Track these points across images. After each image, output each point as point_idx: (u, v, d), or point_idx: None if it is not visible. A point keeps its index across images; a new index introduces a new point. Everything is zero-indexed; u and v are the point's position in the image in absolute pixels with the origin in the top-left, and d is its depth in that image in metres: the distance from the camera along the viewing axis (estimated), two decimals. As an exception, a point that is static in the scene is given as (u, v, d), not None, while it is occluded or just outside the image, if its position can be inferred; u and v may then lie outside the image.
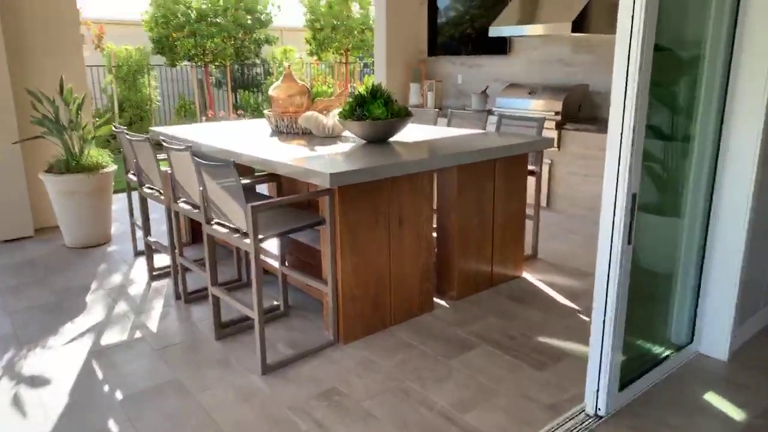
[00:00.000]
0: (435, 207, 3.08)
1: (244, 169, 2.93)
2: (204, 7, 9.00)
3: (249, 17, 9.38)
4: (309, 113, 3.34)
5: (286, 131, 3.57)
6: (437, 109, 4.76)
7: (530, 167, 3.56)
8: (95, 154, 4.03)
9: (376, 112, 2.93)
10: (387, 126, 2.96)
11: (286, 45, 10.13)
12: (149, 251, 3.39)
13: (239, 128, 3.84)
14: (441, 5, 5.99)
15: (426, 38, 6.21)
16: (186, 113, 9.40)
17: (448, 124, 4.10)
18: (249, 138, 3.30)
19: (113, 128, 3.61)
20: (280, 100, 3.68)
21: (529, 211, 3.59)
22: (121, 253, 3.87)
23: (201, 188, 2.45)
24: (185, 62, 9.41)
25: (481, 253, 3.03)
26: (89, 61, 9.12)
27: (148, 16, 8.93)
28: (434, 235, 3.03)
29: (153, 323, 2.80)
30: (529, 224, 3.87)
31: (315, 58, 11.13)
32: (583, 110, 4.71)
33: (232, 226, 2.37)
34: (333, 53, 11.02)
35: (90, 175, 3.90)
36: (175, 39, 8.76)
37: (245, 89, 10.74)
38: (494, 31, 4.89)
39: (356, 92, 3.03)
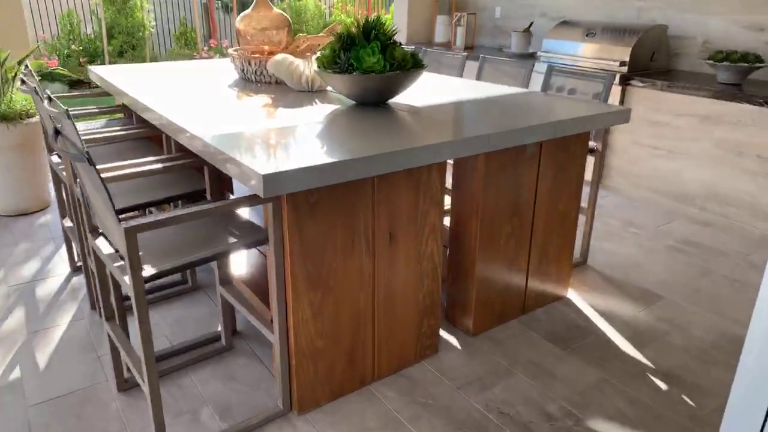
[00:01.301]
0: (447, 209, 2.16)
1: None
2: None
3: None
4: (280, 57, 2.37)
5: (255, 79, 2.62)
6: (465, 53, 3.71)
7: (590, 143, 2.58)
8: (20, 98, 3.15)
9: (368, 62, 1.96)
10: (383, 83, 2.00)
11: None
12: (66, 237, 2.57)
13: (206, 71, 2.89)
14: None
15: (459, -41, 5.03)
16: (187, 42, 8.38)
17: (479, 76, 3.08)
18: (199, 90, 2.37)
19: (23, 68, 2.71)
20: (249, 35, 2.70)
21: (582, 202, 2.63)
22: (54, 227, 3.06)
23: (77, 181, 1.57)
24: (185, -18, 8.27)
25: (512, 267, 2.12)
26: (76, -22, 8.08)
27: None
28: (444, 246, 2.12)
29: (43, 354, 2.00)
30: (579, 219, 2.93)
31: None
32: (657, 60, 3.60)
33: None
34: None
35: (11, 126, 3.04)
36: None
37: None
38: (547, -51, 3.73)
39: (340, 29, 2.05)
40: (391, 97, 2.11)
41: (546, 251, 2.22)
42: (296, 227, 1.50)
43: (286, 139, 1.60)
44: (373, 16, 2.04)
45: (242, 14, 2.73)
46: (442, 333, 2.13)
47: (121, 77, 2.68)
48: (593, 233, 3.00)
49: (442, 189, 1.80)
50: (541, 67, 3.85)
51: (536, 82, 3.80)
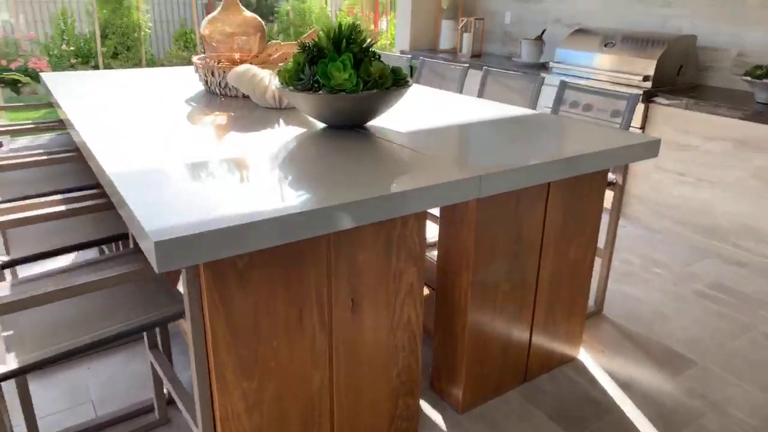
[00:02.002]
0: (427, 259, 1.79)
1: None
2: None
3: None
4: (242, 68, 2.01)
5: (219, 92, 2.27)
6: (469, 62, 3.36)
7: (609, 176, 2.19)
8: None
9: (336, 78, 1.59)
10: (355, 104, 1.63)
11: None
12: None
13: (174, 80, 2.54)
14: None
15: (467, -41, 4.66)
16: (186, 43, 8.08)
17: (481, 91, 2.71)
18: (150, 105, 2.01)
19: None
20: (214, 41, 2.34)
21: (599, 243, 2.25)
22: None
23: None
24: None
25: (512, 327, 1.74)
26: (70, -24, 7.81)
27: None
28: (432, 289, 1.75)
29: (-59, 423, 1.65)
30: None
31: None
32: (684, 74, 3.20)
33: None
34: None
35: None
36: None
37: (260, 18, 9.27)
38: (563, -52, 3.35)
39: (308, 40, 1.68)
40: (367, 120, 1.74)
41: (554, 306, 1.84)
42: (220, 302, 1.13)
43: (219, 176, 1.23)
44: (350, 19, 1.68)
45: (207, 17, 2.37)
46: (425, 407, 1.75)
47: (67, 86, 2.33)
48: (610, 274, 2.60)
49: (422, 241, 1.43)
50: (553, 80, 3.46)
51: (547, 97, 3.42)
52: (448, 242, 1.61)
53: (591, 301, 2.33)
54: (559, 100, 2.38)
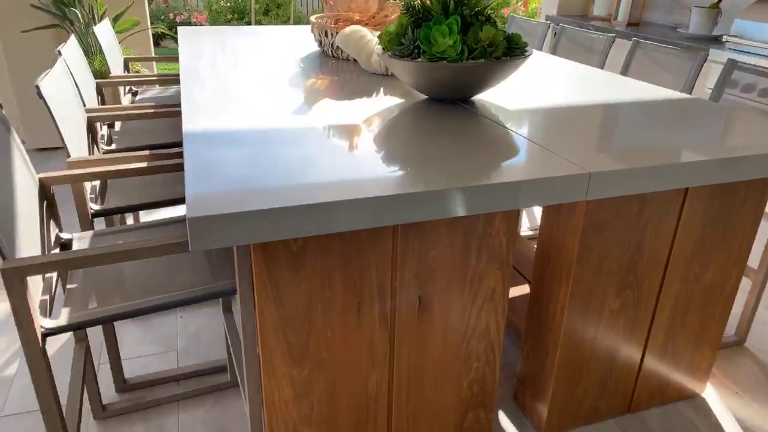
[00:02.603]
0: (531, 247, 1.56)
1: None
2: None
3: None
4: (350, 29, 1.89)
5: (332, 54, 2.18)
6: (610, 34, 2.97)
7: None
8: (102, 60, 3.04)
9: (440, 44, 1.41)
10: (459, 74, 1.43)
11: None
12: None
13: (295, 38, 2.52)
14: None
15: None
16: (334, 3, 8.23)
17: (626, 66, 2.32)
18: (261, 63, 1.99)
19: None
20: (332, 0, 2.25)
21: (751, 261, 1.86)
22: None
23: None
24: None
25: (618, 349, 1.48)
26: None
27: None
28: (528, 282, 1.54)
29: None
30: (744, 283, 2.14)
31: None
32: None
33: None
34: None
35: (103, 86, 2.95)
36: None
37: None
38: None
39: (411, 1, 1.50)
40: (473, 93, 1.54)
41: (676, 332, 1.53)
42: (271, 285, 1.05)
43: (291, 146, 1.13)
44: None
45: (329, -27, 2.27)
46: (503, 420, 1.57)
47: (197, 41, 2.39)
48: (764, 296, 2.16)
49: (511, 242, 1.22)
50: (724, 56, 2.91)
51: (711, 80, 2.90)
52: (548, 242, 1.38)
53: (731, 330, 1.94)
54: (723, 83, 1.95)
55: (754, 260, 2.15)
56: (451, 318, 1.24)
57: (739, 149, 1.23)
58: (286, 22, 7.55)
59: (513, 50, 1.49)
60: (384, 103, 1.55)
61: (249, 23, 7.38)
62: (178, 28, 2.71)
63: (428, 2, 1.48)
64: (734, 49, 2.94)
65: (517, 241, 1.99)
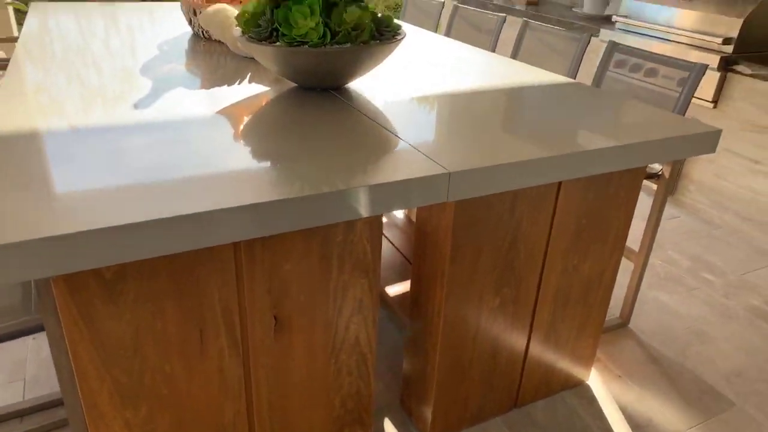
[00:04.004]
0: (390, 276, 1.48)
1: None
2: None
3: None
4: (214, 8, 1.70)
5: (203, 35, 1.98)
6: (501, 14, 2.94)
7: (652, 167, 1.79)
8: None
9: (300, 27, 1.26)
10: (321, 61, 1.30)
11: None
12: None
13: (171, 17, 2.26)
14: None
15: None
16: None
17: (517, 47, 2.28)
18: (119, 48, 1.75)
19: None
20: (200, -26, 2.02)
21: (629, 241, 1.88)
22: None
23: None
24: None
25: (502, 343, 1.43)
26: None
27: None
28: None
29: None
30: (627, 265, 2.18)
31: None
32: (777, 38, 2.63)
33: None
34: None
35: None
36: None
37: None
38: None
39: (269, -27, 1.34)
40: (343, 82, 1.41)
41: (557, 325, 1.51)
42: (83, 320, 0.88)
43: (110, 153, 0.96)
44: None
45: (196, -56, 2.05)
46: (389, 429, 1.50)
47: (47, 19, 2.10)
48: (647, 276, 2.21)
49: (376, 248, 1.12)
50: (614, 37, 2.95)
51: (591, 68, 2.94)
52: (422, 241, 1.30)
53: (615, 312, 1.97)
54: (604, 66, 1.94)
55: (635, 242, 2.19)
56: (315, 334, 1.13)
57: (612, 139, 1.18)
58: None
59: (383, 33, 1.37)
60: (245, 92, 1.39)
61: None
62: (31, 3, 2.38)
63: (287, -21, 1.33)
64: (623, 29, 2.98)
65: (412, 228, 1.91)
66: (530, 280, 1.37)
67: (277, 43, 1.28)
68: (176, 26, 2.17)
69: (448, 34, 2.70)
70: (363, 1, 1.35)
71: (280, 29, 1.28)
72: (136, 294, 0.91)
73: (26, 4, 5.84)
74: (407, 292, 1.60)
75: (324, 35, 1.27)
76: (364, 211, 0.93)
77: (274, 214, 0.86)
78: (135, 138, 1.05)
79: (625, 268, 2.19)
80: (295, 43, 1.28)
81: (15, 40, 2.59)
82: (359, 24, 1.29)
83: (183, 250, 0.80)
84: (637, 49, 1.90)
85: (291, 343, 1.11)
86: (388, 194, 0.94)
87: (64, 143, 1.00)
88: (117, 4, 2.58)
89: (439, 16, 2.83)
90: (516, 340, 1.45)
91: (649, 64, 1.95)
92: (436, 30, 2.78)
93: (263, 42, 1.30)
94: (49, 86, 1.33)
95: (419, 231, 1.31)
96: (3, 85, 1.31)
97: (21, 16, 5.91)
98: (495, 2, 3.89)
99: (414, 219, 2.00)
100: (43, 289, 0.87)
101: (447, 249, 1.21)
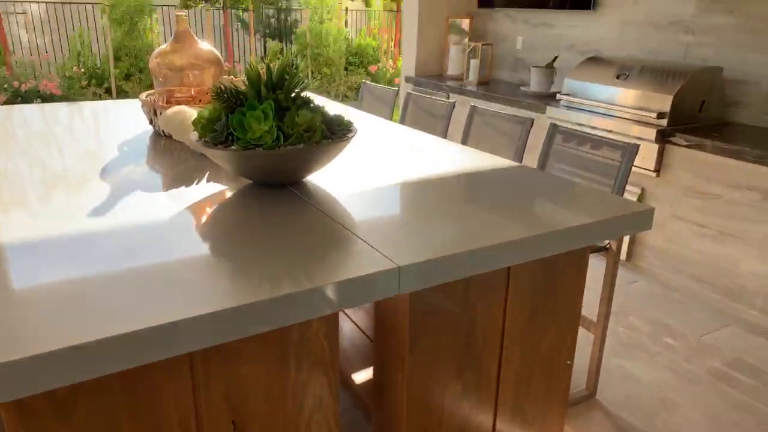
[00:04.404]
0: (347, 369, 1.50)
1: None
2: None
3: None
4: (173, 110, 1.77)
5: (163, 134, 2.04)
6: (451, 101, 3.11)
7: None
8: None
9: (255, 131, 1.33)
10: (275, 162, 1.36)
11: (322, -14, 8.44)
12: None
13: (131, 114, 2.33)
14: (500, -68, 4.11)
15: (476, -19, 4.39)
16: (203, 64, 8.04)
17: (467, 131, 2.41)
18: (76, 148, 1.79)
19: None
20: (161, 76, 2.13)
21: (588, 312, 1.93)
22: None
23: None
24: (202, 3, 7.93)
25: (467, 427, 1.42)
26: (88, -2, 7.85)
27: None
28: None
29: None
30: (584, 335, 2.22)
31: (359, 2, 9.36)
32: (707, 111, 2.84)
33: None
34: (382, -1, 9.21)
35: None
36: (182, -26, 7.26)
37: (278, 38, 9.20)
38: (570, -29, 3.05)
39: (224, 84, 1.42)
40: (298, 178, 1.47)
41: (522, 404, 1.52)
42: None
43: (63, 267, 0.97)
44: (279, 61, 1.42)
45: (157, 49, 2.16)
46: None
47: (6, 119, 2.14)
48: (610, 344, 2.25)
49: (333, 344, 1.14)
50: (560, 113, 3.15)
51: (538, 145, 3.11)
52: (381, 329, 1.32)
53: (581, 383, 1.98)
54: (548, 146, 2.06)
55: (594, 312, 2.25)
56: (276, 436, 1.12)
57: (556, 223, 1.25)
58: (150, 86, 7.24)
59: (334, 132, 1.45)
60: (205, 191, 1.44)
61: (108, 90, 6.99)
62: (-6, 107, 2.43)
63: (242, 86, 1.41)
64: (568, 107, 3.18)
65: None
66: (491, 363, 1.39)
67: (233, 147, 1.35)
68: (137, 124, 2.23)
69: (403, 119, 2.84)
70: (313, 104, 1.44)
71: (235, 133, 1.35)
72: (89, 411, 0.90)
73: (15, 98, 5.89)
74: (371, 379, 1.60)
75: (278, 138, 1.34)
76: (319, 310, 0.96)
77: (232, 321, 0.88)
78: (90, 247, 1.07)
79: (588, 339, 2.23)
80: (250, 146, 1.34)
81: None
82: (311, 126, 1.37)
83: (138, 365, 0.81)
84: (576, 131, 2.04)
85: (251, 448, 1.09)
86: (342, 292, 0.97)
87: (18, 254, 1.02)
88: (78, 103, 2.65)
89: (394, 103, 2.98)
90: (481, 422, 1.45)
91: (587, 148, 2.09)
92: (391, 116, 2.92)
93: (219, 146, 1.37)
94: (4, 193, 1.36)
95: (378, 319, 1.33)
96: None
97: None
98: (449, 84, 4.12)
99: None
100: (-9, 413, 0.85)
101: (405, 336, 1.23)
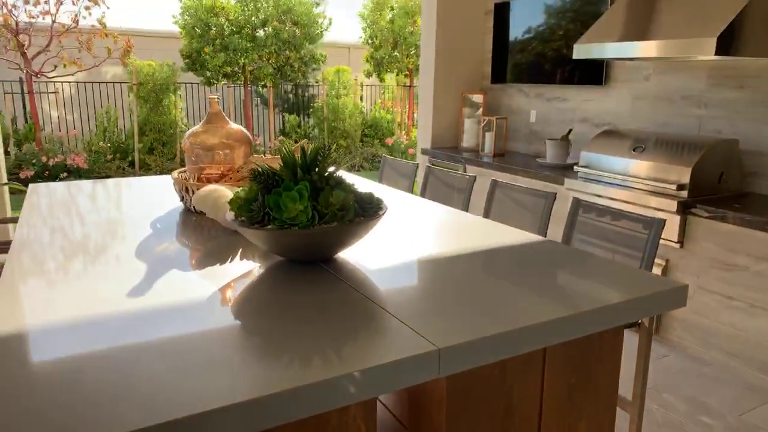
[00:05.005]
0: None
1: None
2: (240, 18, 7.84)
3: (296, 30, 8.13)
4: (207, 189, 1.83)
5: (194, 210, 2.09)
6: (471, 175, 3.17)
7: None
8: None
9: (290, 211, 1.37)
10: (309, 240, 1.39)
11: (339, 65, 8.83)
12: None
13: (160, 191, 2.40)
14: (514, 15, 4.33)
15: (491, 59, 4.58)
16: (223, 138, 8.33)
17: (488, 204, 2.44)
18: (109, 226, 1.84)
19: None
20: (194, 155, 2.20)
21: (622, 390, 1.87)
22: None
23: None
24: (224, 81, 8.32)
25: None
26: (117, 77, 8.28)
27: (180, 25, 7.93)
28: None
29: None
30: (619, 415, 2.14)
31: (374, 78, 9.75)
32: (726, 182, 2.86)
33: None
34: (396, 74, 9.59)
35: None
36: (206, 53, 7.67)
37: (296, 113, 9.53)
38: (580, 52, 3.18)
39: (261, 166, 1.48)
40: (331, 255, 1.49)
41: (564, 492, 1.45)
42: None
43: (119, 355, 0.98)
44: (313, 144, 1.49)
45: (191, 130, 2.25)
46: None
47: (47, 199, 2.21)
48: (646, 423, 2.16)
49: (371, 426, 1.11)
50: (578, 185, 3.19)
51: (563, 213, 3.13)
52: (416, 414, 1.29)
53: (620, 466, 1.90)
54: (572, 222, 2.08)
55: (628, 391, 2.18)
56: None
57: (594, 301, 1.25)
58: (172, 159, 7.48)
59: (366, 210, 1.48)
60: (239, 269, 1.46)
61: (132, 163, 7.22)
62: (29, 186, 2.52)
63: (277, 168, 1.46)
64: (585, 178, 3.23)
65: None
66: (528, 445, 1.34)
67: (269, 226, 1.38)
68: (171, 199, 2.30)
69: (423, 192, 2.90)
70: (345, 183, 1.48)
71: (272, 213, 1.38)
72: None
73: (43, 172, 6.10)
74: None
75: (312, 217, 1.37)
76: (357, 395, 0.95)
77: (267, 408, 0.87)
78: (126, 335, 1.08)
79: (624, 417, 2.15)
80: (286, 226, 1.37)
81: (10, 221, 2.70)
82: (345, 205, 1.41)
83: (178, 454, 0.80)
84: (600, 205, 2.06)
85: None
86: (381, 377, 0.97)
87: (55, 339, 1.03)
88: (113, 181, 2.74)
89: (414, 176, 3.05)
90: None
91: (611, 223, 2.10)
92: (412, 189, 2.98)
93: (255, 225, 1.40)
94: (48, 276, 1.38)
95: (412, 402, 1.30)
96: (23, 285, 1.36)
97: (15, 197, 6.15)
98: (464, 155, 4.21)
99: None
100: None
101: (443, 420, 1.20)
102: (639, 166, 2.97)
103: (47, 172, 6.39)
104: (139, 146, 7.27)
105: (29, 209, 2.10)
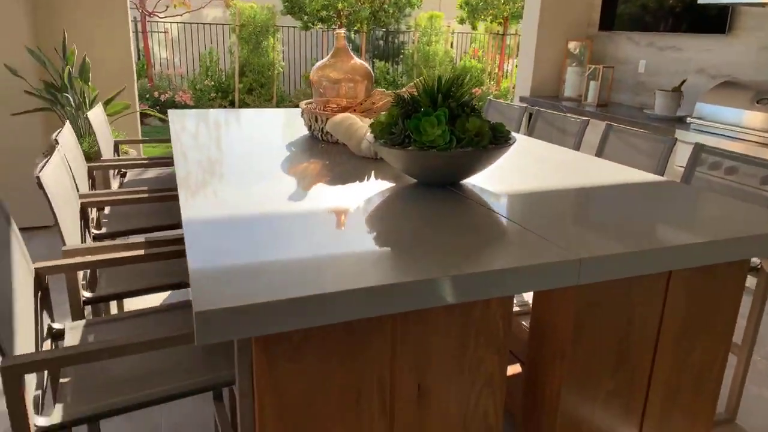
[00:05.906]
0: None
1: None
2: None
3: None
4: (340, 116, 1.97)
5: (321, 138, 2.26)
6: (584, 118, 3.13)
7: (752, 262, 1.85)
8: (92, 142, 3.09)
9: (429, 134, 1.48)
10: (447, 162, 1.50)
11: (431, 10, 8.71)
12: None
13: (282, 121, 2.60)
14: (628, -44, 4.12)
15: (600, 4, 4.40)
16: (315, 82, 8.55)
17: (601, 148, 2.45)
18: (250, 146, 2.04)
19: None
20: (321, 87, 2.36)
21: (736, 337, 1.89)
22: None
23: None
24: (319, 25, 8.46)
25: (616, 429, 1.47)
26: (218, 20, 8.60)
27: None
28: (522, 363, 1.54)
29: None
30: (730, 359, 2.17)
31: (466, 26, 9.55)
32: None
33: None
34: (490, 22, 9.34)
35: (90, 166, 2.98)
36: (305, -2, 7.79)
37: (386, 60, 9.56)
38: (710, -6, 3.01)
39: (401, 93, 1.59)
40: (461, 179, 1.61)
41: (669, 412, 1.54)
42: (271, 376, 1.04)
43: (286, 234, 1.16)
44: (449, 74, 1.57)
45: (318, 63, 2.40)
46: None
47: (187, 124, 2.46)
48: (750, 374, 2.18)
49: (507, 327, 1.24)
50: (688, 136, 3.09)
51: (681, 154, 3.06)
52: (541, 323, 1.41)
53: (721, 407, 1.95)
54: (692, 166, 2.07)
55: (738, 335, 2.19)
56: (450, 405, 1.23)
57: (717, 232, 1.29)
58: (269, 100, 7.79)
59: (498, 138, 1.57)
60: (375, 187, 1.60)
61: (232, 102, 7.60)
62: (169, 111, 2.78)
63: (417, 95, 1.57)
64: (698, 130, 3.13)
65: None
66: (644, 365, 1.43)
67: (410, 148, 1.50)
68: (294, 129, 2.48)
69: (531, 134, 2.92)
70: (480, 112, 1.57)
71: (412, 136, 1.51)
72: (314, 357, 1.06)
73: (154, 107, 6.59)
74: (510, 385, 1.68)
75: (450, 141, 1.48)
76: (502, 291, 1.07)
77: (425, 291, 1.01)
78: (311, 233, 1.25)
79: (730, 361, 2.18)
80: (425, 148, 1.49)
81: (143, 141, 3.01)
82: (480, 131, 1.50)
83: (360, 317, 0.96)
84: (724, 149, 2.03)
85: (430, 412, 1.21)
86: (528, 276, 1.08)
87: (264, 236, 1.22)
88: (234, 111, 2.97)
89: (521, 120, 3.07)
90: (630, 425, 1.48)
91: (729, 163, 2.07)
92: (518, 131, 3.01)
93: (396, 147, 1.53)
94: (220, 183, 1.59)
95: (537, 313, 1.42)
96: (197, 186, 1.57)
97: (141, 116, 6.64)
98: (565, 104, 4.14)
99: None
100: (243, 350, 1.04)
101: (569, 330, 1.31)
102: (761, 118, 2.84)
103: (158, 107, 6.88)
104: (240, 86, 7.62)
105: (176, 132, 2.35)
